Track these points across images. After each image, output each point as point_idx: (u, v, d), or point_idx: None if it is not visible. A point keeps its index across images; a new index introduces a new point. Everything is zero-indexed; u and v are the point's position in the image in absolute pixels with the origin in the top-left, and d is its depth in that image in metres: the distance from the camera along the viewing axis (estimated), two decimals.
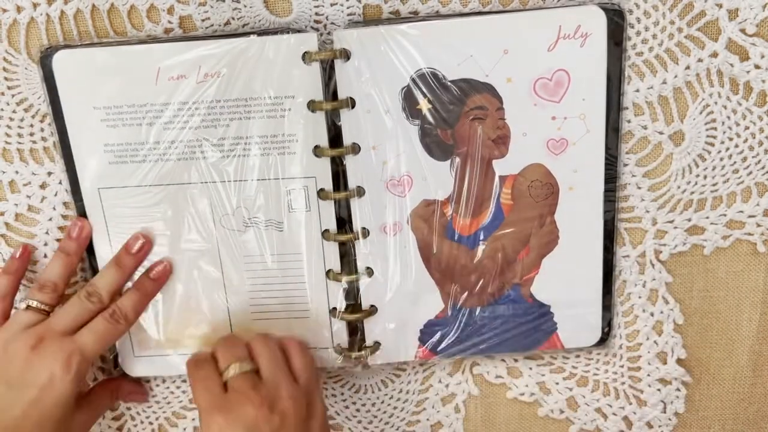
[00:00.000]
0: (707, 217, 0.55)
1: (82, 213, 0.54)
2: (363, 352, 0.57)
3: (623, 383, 0.59)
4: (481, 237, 0.54)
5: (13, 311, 0.53)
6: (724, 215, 0.55)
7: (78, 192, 0.54)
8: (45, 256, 0.56)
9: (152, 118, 0.51)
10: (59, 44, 0.51)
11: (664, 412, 0.60)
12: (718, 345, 0.59)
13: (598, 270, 0.55)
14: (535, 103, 0.51)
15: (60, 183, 0.54)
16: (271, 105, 0.51)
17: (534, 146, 0.52)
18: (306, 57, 0.50)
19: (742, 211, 0.54)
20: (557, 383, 0.59)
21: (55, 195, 0.55)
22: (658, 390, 0.59)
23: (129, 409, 0.61)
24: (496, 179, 0.53)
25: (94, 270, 0.55)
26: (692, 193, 0.54)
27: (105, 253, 0.55)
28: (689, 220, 0.55)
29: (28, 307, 0.52)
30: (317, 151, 0.52)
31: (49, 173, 0.54)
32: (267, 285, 0.55)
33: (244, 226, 0.54)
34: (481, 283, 0.55)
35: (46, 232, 0.56)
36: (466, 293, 0.56)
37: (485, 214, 0.54)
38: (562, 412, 0.60)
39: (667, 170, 0.54)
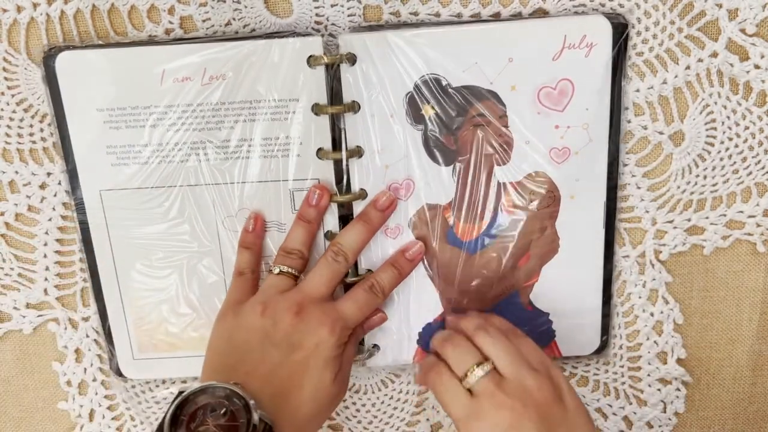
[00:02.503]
0: (707, 217, 0.55)
1: (82, 214, 0.54)
2: (362, 355, 0.57)
3: (623, 383, 0.59)
4: (482, 243, 0.54)
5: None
6: (724, 215, 0.55)
7: (78, 193, 0.53)
8: (45, 256, 0.56)
9: (156, 120, 0.51)
10: (62, 45, 0.51)
11: (664, 412, 0.60)
12: (718, 345, 0.59)
13: (598, 279, 0.55)
14: (538, 112, 0.51)
15: (59, 183, 0.54)
16: (275, 108, 0.51)
17: (536, 154, 0.52)
18: (311, 61, 0.50)
19: (742, 211, 0.55)
20: None
21: (55, 195, 0.55)
22: (658, 390, 0.59)
23: (129, 409, 0.61)
24: (498, 186, 0.53)
25: (92, 270, 0.55)
26: (692, 193, 0.54)
27: (105, 256, 0.55)
28: (689, 220, 0.55)
29: (281, 272, 0.51)
30: (320, 153, 0.52)
31: (49, 173, 0.54)
32: None
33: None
34: (480, 289, 0.55)
35: (46, 232, 0.56)
36: (465, 299, 0.56)
37: (487, 220, 0.54)
38: None
39: (667, 170, 0.54)
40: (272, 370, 0.48)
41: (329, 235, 0.54)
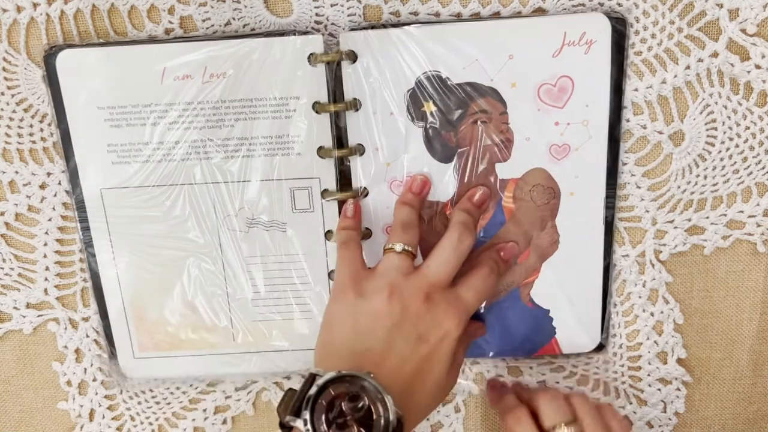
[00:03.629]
0: (707, 217, 0.55)
1: (82, 213, 0.54)
2: None
3: (623, 383, 0.59)
4: (482, 239, 0.54)
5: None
6: (724, 215, 0.55)
7: (79, 192, 0.53)
8: (45, 256, 0.56)
9: (156, 118, 0.51)
10: (63, 44, 0.51)
11: (665, 412, 0.60)
12: (718, 345, 0.59)
13: (598, 275, 0.55)
14: (538, 109, 0.51)
15: (59, 183, 0.54)
16: (276, 106, 0.51)
17: (537, 151, 0.52)
18: (311, 58, 0.50)
19: (742, 211, 0.55)
20: (557, 382, 0.59)
21: (55, 195, 0.55)
22: (658, 390, 0.59)
23: (129, 409, 0.61)
24: (498, 182, 0.53)
25: (92, 269, 0.55)
26: (692, 193, 0.54)
27: (106, 254, 0.55)
28: (689, 220, 0.55)
29: (403, 250, 0.49)
30: (321, 152, 0.52)
31: (49, 173, 0.54)
32: (269, 286, 0.55)
33: (247, 226, 0.54)
34: None
35: (46, 232, 0.56)
36: None
37: (486, 216, 0.54)
38: None
39: (667, 170, 0.54)
40: (400, 363, 0.46)
41: (329, 236, 0.54)
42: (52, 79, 0.51)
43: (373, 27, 0.50)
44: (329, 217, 0.54)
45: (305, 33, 0.50)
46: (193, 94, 0.51)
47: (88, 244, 0.55)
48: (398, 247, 0.49)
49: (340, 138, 0.52)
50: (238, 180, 0.53)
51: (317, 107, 0.51)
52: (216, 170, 0.53)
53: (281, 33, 0.50)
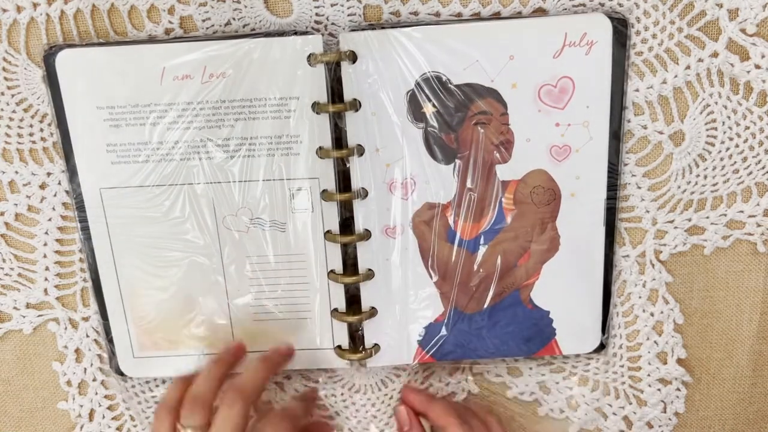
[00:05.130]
0: (707, 217, 0.55)
1: (82, 213, 0.54)
2: (362, 354, 0.57)
3: (623, 383, 0.59)
4: (482, 241, 0.54)
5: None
6: (724, 215, 0.55)
7: (78, 192, 0.53)
8: (45, 256, 0.56)
9: (156, 118, 0.51)
10: (62, 44, 0.51)
11: (664, 412, 0.60)
12: (718, 345, 0.59)
13: (599, 276, 0.55)
14: (539, 110, 0.51)
15: (59, 183, 0.54)
16: (275, 106, 0.51)
17: (537, 152, 0.52)
18: (311, 59, 0.50)
19: (742, 211, 0.55)
20: (557, 383, 0.59)
21: (55, 195, 0.55)
22: (658, 390, 0.59)
23: (128, 409, 0.61)
24: (499, 184, 0.53)
25: (92, 268, 0.55)
26: (692, 193, 0.54)
27: (105, 254, 0.55)
28: (689, 220, 0.55)
29: None
30: (321, 152, 0.52)
31: (49, 173, 0.54)
32: (269, 286, 0.55)
33: (246, 226, 0.54)
34: (481, 287, 0.55)
35: (46, 232, 0.56)
36: (465, 297, 0.55)
37: (487, 218, 0.54)
38: (562, 411, 0.60)
39: (667, 170, 0.54)
40: None
41: (328, 236, 0.54)
42: (51, 79, 0.51)
43: (373, 27, 0.50)
44: (329, 217, 0.54)
45: (305, 33, 0.50)
46: (192, 94, 0.51)
47: (87, 243, 0.55)
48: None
49: (339, 138, 0.52)
50: (239, 180, 0.53)
51: (317, 107, 0.51)
52: (216, 170, 0.53)
53: (281, 33, 0.50)
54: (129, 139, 0.52)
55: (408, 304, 0.56)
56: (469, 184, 0.53)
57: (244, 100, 0.51)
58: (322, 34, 0.50)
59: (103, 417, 0.61)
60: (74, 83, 0.51)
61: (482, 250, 0.54)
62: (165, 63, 0.50)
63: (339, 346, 0.57)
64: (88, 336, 0.58)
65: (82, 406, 0.60)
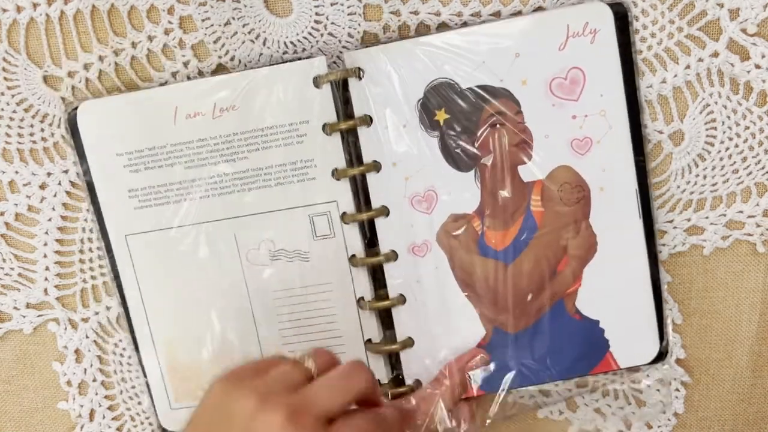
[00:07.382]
0: (707, 217, 0.55)
1: (113, 263, 0.54)
2: (405, 389, 0.53)
3: (623, 383, 0.59)
4: (516, 250, 0.51)
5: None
6: (724, 215, 0.55)
7: (107, 242, 0.53)
8: (45, 256, 0.56)
9: (174, 159, 0.51)
10: (82, 98, 0.52)
11: (664, 413, 0.60)
12: (717, 345, 0.59)
13: (645, 275, 0.52)
14: (553, 104, 0.50)
15: (59, 183, 0.54)
16: (286, 132, 0.51)
17: (558, 147, 0.50)
18: (317, 80, 0.50)
19: (741, 212, 0.55)
20: (557, 384, 0.59)
21: (55, 195, 0.55)
22: (658, 390, 0.59)
23: (129, 409, 0.61)
24: (524, 186, 0.51)
25: (129, 323, 0.55)
26: (692, 193, 0.54)
27: (134, 299, 0.54)
28: (688, 220, 0.55)
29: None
30: (338, 173, 0.51)
31: (49, 173, 0.54)
32: (297, 320, 0.54)
33: (269, 259, 0.53)
34: (521, 302, 0.52)
35: (46, 232, 0.56)
36: (506, 315, 0.52)
37: (517, 224, 0.51)
38: (561, 413, 0.60)
39: (666, 170, 0.54)
40: None
41: (353, 260, 0.52)
42: (74, 133, 0.51)
43: (373, 44, 0.50)
44: (352, 240, 0.52)
45: (309, 58, 0.50)
46: (205, 130, 0.51)
47: (120, 292, 0.54)
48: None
49: (352, 159, 0.51)
50: (258, 212, 0.52)
51: (328, 128, 0.50)
52: (235, 204, 0.52)
53: (284, 61, 0.50)
54: (149, 183, 0.52)
55: (449, 335, 0.53)
56: (493, 189, 0.51)
57: (255, 131, 0.51)
58: (322, 34, 0.50)
59: (104, 417, 0.61)
60: (94, 134, 0.52)
61: (517, 259, 0.51)
62: (176, 103, 0.50)
63: (378, 381, 0.53)
64: (87, 337, 0.58)
65: (82, 406, 0.60)
